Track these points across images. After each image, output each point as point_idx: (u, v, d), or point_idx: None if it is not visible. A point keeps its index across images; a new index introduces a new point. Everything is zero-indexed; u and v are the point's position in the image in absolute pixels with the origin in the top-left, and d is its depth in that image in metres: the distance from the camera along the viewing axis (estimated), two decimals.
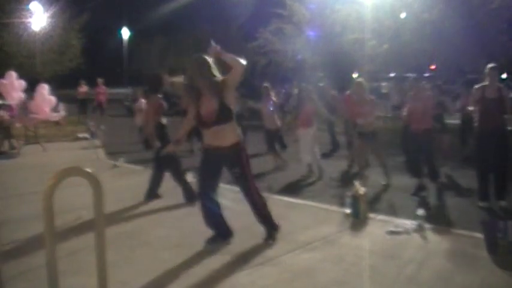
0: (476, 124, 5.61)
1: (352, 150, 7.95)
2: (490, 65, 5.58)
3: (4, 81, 12.21)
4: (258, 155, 9.08)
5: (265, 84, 9.17)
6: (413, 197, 6.12)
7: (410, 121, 6.39)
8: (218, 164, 4.13)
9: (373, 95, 7.64)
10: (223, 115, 3.93)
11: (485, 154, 5.48)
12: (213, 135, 3.99)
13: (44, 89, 12.28)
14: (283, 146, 10.28)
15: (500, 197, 5.50)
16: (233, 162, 4.09)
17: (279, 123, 8.87)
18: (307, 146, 7.56)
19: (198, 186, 4.20)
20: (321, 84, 10.98)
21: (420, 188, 6.30)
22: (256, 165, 8.27)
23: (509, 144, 5.49)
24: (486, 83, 5.49)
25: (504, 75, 23.52)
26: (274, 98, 9.04)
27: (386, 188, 6.71)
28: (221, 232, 4.21)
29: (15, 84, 12.04)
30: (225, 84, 3.94)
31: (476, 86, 5.62)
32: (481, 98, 5.48)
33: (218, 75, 3.99)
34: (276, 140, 8.97)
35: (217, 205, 4.18)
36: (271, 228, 4.33)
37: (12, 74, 12.40)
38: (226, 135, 3.99)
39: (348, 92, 8.06)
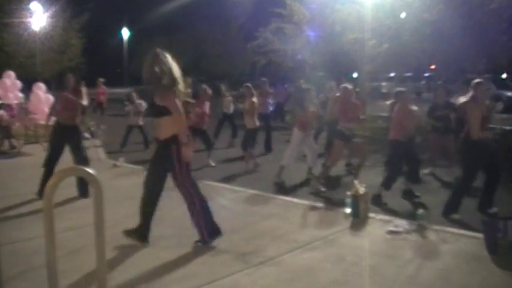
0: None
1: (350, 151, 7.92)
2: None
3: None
4: (260, 155, 9.11)
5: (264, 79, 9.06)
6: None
7: (392, 130, 6.33)
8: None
9: (372, 95, 7.62)
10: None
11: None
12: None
13: (40, 88, 12.21)
14: (269, 148, 10.23)
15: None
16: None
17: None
18: (292, 147, 7.30)
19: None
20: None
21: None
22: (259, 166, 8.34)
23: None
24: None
25: (504, 75, 23.56)
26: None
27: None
28: None
29: (7, 84, 11.97)
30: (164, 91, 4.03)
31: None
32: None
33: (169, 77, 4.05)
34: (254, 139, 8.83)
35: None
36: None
37: (11, 74, 12.37)
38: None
39: (337, 94, 8.04)
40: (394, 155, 6.34)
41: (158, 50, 4.17)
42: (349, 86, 7.30)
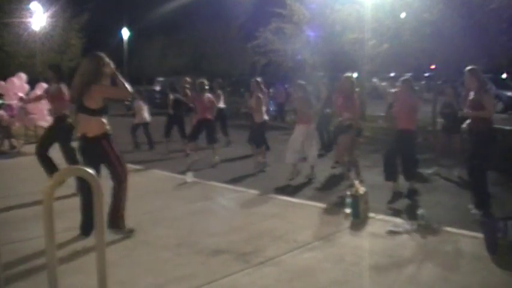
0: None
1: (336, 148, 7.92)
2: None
3: (3, 82, 12.16)
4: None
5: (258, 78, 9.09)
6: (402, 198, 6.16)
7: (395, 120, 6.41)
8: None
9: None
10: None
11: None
12: None
13: (41, 89, 12.19)
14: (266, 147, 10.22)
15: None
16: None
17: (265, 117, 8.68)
18: (293, 144, 7.43)
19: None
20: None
21: (396, 193, 6.26)
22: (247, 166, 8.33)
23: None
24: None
25: (504, 75, 23.53)
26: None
27: (385, 188, 6.70)
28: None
29: (15, 84, 11.99)
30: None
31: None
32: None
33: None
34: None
35: None
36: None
37: (22, 76, 12.40)
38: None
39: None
40: (408, 144, 6.33)
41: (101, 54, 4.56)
42: (349, 75, 7.26)
